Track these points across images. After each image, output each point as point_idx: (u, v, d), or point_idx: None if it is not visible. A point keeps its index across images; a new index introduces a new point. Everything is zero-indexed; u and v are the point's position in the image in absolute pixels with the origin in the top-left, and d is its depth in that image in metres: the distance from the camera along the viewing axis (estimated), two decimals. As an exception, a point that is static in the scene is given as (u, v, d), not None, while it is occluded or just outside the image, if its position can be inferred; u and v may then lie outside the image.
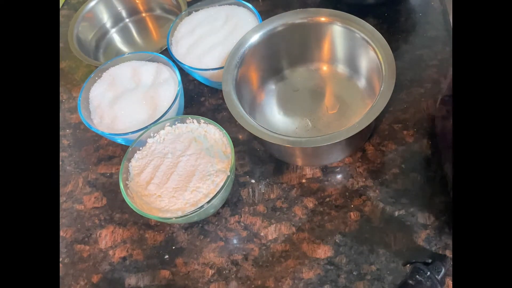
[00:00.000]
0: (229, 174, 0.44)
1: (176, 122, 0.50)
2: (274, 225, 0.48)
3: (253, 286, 0.45)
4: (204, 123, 0.49)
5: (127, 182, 0.46)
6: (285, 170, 0.51)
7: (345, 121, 0.52)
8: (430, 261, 0.42)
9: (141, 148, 0.49)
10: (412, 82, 0.55)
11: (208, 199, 0.43)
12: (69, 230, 0.52)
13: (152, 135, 0.50)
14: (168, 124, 0.50)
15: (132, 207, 0.43)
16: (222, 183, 0.43)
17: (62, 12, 0.73)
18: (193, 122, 0.50)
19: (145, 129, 0.49)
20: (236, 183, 0.51)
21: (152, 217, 0.43)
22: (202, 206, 0.42)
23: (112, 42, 0.69)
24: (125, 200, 0.44)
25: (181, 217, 0.42)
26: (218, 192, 0.43)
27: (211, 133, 0.49)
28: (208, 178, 0.44)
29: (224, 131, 0.47)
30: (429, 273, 0.40)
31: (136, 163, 0.48)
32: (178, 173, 0.45)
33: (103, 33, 0.69)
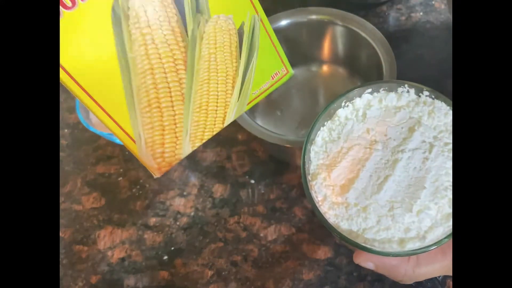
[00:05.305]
0: None
1: (381, 89, 0.32)
2: (274, 225, 0.48)
3: (252, 287, 0.45)
4: (427, 95, 0.31)
5: (308, 176, 0.30)
6: (285, 170, 0.51)
7: (346, 121, 0.52)
8: (431, 262, 0.41)
9: (326, 124, 0.32)
10: (413, 82, 0.55)
11: (444, 229, 0.27)
12: (67, 231, 0.51)
13: (343, 104, 0.32)
14: (369, 90, 0.32)
15: (322, 220, 0.28)
16: None
17: (61, 11, 0.73)
18: (408, 91, 0.32)
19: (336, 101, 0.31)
20: (236, 184, 0.51)
21: (353, 244, 0.27)
22: (440, 241, 0.26)
23: (111, 41, 0.68)
24: (312, 204, 0.28)
25: (399, 253, 0.27)
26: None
27: (441, 115, 0.31)
28: (445, 195, 0.28)
29: None
30: (430, 274, 0.40)
31: (321, 147, 0.31)
32: (396, 179, 0.29)
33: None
